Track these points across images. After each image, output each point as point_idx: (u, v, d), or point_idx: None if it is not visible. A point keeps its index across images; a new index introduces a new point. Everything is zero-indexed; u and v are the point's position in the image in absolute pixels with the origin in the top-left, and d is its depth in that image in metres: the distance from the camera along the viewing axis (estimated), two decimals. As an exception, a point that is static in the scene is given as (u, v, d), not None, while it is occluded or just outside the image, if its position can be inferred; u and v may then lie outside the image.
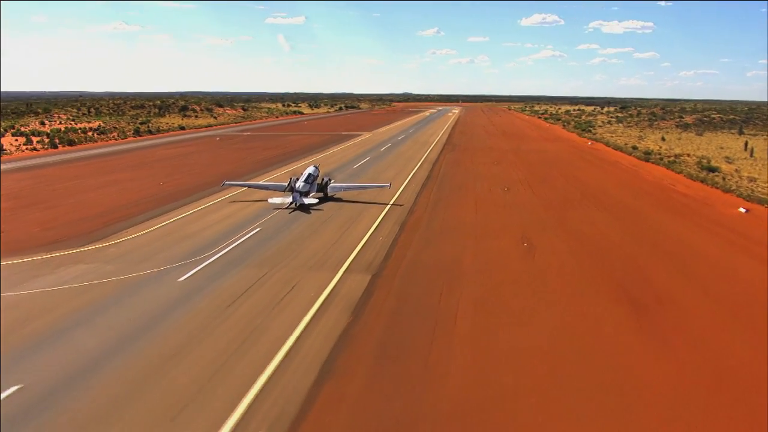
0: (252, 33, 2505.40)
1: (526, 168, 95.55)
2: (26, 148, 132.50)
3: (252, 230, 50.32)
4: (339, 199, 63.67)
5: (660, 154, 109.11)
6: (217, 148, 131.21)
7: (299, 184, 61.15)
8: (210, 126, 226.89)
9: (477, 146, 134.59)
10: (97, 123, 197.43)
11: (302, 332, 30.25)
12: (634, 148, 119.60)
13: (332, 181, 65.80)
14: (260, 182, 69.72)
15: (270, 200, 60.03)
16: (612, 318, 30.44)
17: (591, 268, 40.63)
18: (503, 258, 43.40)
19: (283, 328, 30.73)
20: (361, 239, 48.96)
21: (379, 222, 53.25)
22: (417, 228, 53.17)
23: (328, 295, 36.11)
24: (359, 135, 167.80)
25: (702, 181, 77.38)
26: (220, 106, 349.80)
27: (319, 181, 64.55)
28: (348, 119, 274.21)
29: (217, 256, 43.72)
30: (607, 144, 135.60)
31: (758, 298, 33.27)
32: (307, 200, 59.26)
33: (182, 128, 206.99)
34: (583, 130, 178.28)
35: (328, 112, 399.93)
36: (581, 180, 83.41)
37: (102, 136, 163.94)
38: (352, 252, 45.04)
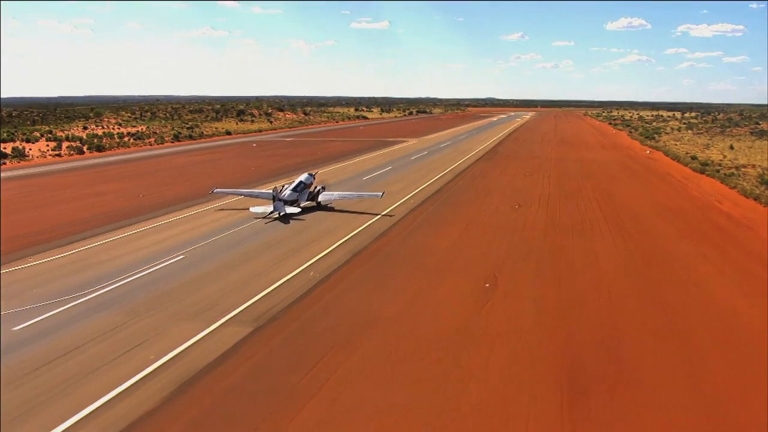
0: (336, 38, 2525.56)
1: (558, 180, 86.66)
2: (52, 154, 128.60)
3: (173, 258, 44.63)
4: (331, 209, 61.54)
5: (720, 165, 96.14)
6: (243, 155, 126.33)
7: (286, 192, 60.04)
8: (260, 131, 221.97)
9: (520, 155, 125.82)
10: (140, 128, 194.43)
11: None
12: (693, 158, 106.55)
13: (325, 189, 63.62)
14: (251, 190, 66.25)
15: (251, 209, 58.08)
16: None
17: (549, 332, 30.59)
18: (442, 310, 33.96)
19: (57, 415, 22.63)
20: (289, 274, 40.62)
21: (340, 244, 47.79)
22: (370, 258, 44.73)
23: (172, 358, 27.53)
24: (404, 141, 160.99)
25: (755, 199, 66.62)
26: (281, 110, 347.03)
27: (312, 189, 63.17)
28: (407, 125, 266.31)
29: (93, 295, 36.15)
30: (665, 153, 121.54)
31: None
32: (290, 209, 57.36)
33: (228, 133, 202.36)
34: (648, 137, 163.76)
35: (395, 116, 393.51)
36: (613, 196, 73.26)
37: (137, 142, 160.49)
38: (258, 294, 36.63)
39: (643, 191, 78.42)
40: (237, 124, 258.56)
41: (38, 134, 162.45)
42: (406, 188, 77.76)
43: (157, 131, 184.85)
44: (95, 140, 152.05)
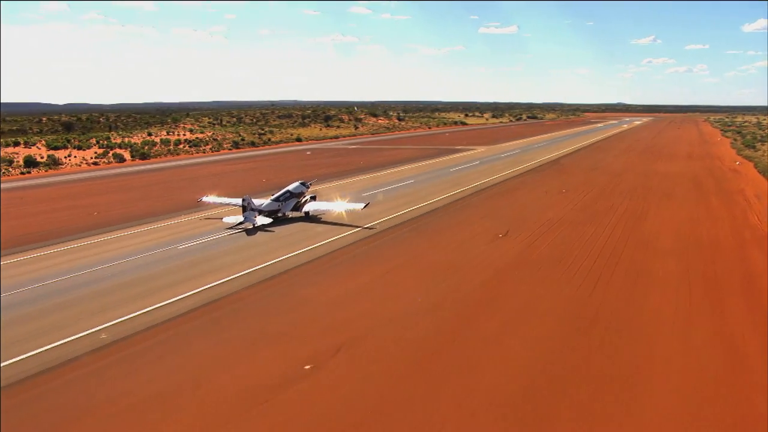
0: (464, 43, 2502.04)
1: (592, 199, 74.98)
2: (90, 162, 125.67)
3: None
4: (317, 219, 60.25)
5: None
6: (280, 166, 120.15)
7: (265, 202, 59.29)
8: (338, 137, 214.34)
9: (580, 167, 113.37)
10: (207, 134, 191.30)
11: None
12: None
13: (315, 199, 62.24)
14: (239, 200, 60.31)
15: (224, 219, 57.28)
16: None
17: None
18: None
19: None
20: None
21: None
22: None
23: None
24: (471, 149, 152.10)
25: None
26: (374, 115, 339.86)
27: (301, 199, 61.87)
28: (500, 131, 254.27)
29: None
30: (756, 165, 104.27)
31: None
32: (260, 220, 56.01)
33: (299, 140, 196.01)
34: (749, 146, 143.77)
35: (501, 122, 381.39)
36: (641, 222, 60.92)
37: (192, 149, 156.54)
38: None
39: (685, 214, 64.83)
40: (321, 129, 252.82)
41: (94, 141, 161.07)
42: (396, 207, 67.82)
43: (219, 138, 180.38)
44: (145, 148, 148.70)
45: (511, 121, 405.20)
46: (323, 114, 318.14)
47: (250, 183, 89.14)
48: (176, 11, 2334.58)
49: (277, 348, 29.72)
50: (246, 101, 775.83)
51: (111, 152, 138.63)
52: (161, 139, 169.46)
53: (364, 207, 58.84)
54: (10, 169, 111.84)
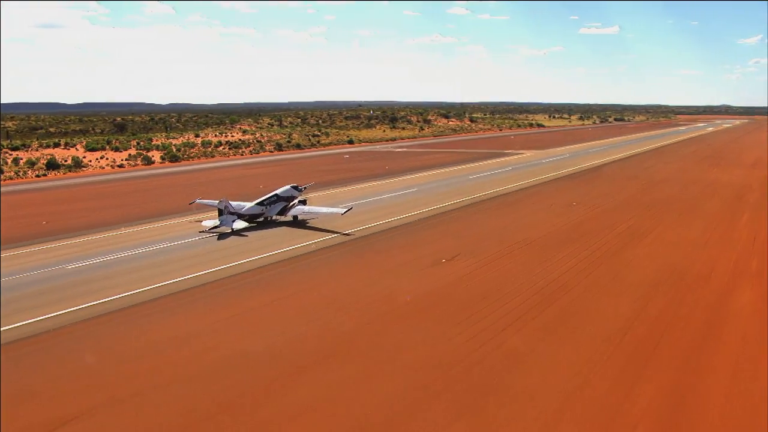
0: (564, 43, 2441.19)
1: (599, 213, 66.40)
2: (117, 164, 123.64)
3: None
4: (304, 223, 59.77)
5: None
6: (297, 170, 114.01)
7: (247, 206, 59.12)
8: (395, 139, 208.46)
9: (622, 173, 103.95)
10: (254, 135, 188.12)
11: None
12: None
13: (306, 203, 61.59)
14: (230, 202, 59.05)
15: (203, 222, 56.85)
16: None
17: None
18: None
19: None
20: None
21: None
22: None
23: None
24: (517, 154, 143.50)
25: None
26: (446, 117, 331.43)
27: (288, 203, 60.95)
28: (565, 135, 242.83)
29: None
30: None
31: None
32: (237, 225, 55.71)
33: (351, 142, 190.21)
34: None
35: (583, 124, 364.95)
36: (633, 244, 52.06)
37: (231, 151, 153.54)
38: None
39: (695, 236, 55.35)
40: (384, 131, 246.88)
41: (135, 142, 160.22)
42: (364, 221, 61.22)
43: (264, 140, 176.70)
44: (181, 150, 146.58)
45: (595, 123, 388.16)
46: (391, 115, 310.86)
47: (248, 189, 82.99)
48: (275, 13, 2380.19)
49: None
50: (342, 101, 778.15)
51: (144, 154, 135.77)
52: (203, 141, 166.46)
53: (345, 212, 58.49)
54: (29, 172, 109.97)
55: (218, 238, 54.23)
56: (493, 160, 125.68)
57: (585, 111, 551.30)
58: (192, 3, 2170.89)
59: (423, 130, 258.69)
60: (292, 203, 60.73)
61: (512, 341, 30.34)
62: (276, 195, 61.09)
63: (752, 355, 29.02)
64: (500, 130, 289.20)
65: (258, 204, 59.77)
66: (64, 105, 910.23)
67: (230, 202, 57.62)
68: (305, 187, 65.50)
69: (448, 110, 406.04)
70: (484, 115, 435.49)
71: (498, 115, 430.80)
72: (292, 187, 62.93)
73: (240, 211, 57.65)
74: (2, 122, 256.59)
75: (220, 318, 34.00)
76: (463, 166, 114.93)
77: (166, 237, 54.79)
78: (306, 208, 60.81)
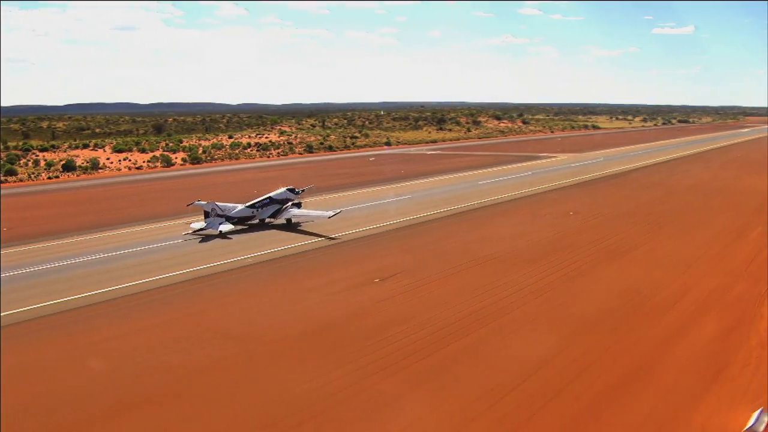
0: (638, 44, 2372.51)
1: (587, 226, 60.03)
2: (135, 166, 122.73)
3: None
4: (297, 226, 59.50)
5: None
6: (310, 174, 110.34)
7: (238, 208, 58.74)
8: (435, 141, 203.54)
9: (646, 180, 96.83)
10: (289, 138, 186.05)
11: None
12: None
13: (300, 206, 61.35)
14: (226, 204, 59.87)
15: (191, 225, 56.21)
16: None
17: None
18: None
19: None
20: None
21: None
22: None
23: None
24: (546, 158, 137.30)
25: None
26: (498, 118, 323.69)
27: (282, 206, 60.47)
28: (615, 137, 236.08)
29: None
30: None
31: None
32: (223, 227, 55.33)
33: (388, 144, 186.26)
34: None
35: (643, 126, 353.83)
36: (605, 264, 46.62)
37: (257, 153, 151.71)
38: None
39: (685, 255, 49.06)
40: (429, 133, 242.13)
41: (164, 143, 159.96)
42: (336, 230, 57.83)
43: (293, 141, 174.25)
44: (209, 152, 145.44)
45: (656, 125, 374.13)
46: (440, 116, 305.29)
47: (248, 192, 79.48)
48: (346, 14, 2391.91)
49: None
50: (410, 102, 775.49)
51: (167, 155, 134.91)
52: (232, 143, 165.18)
53: (332, 216, 57.43)
54: (42, 174, 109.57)
55: (200, 241, 53.98)
56: (519, 164, 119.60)
57: (653, 112, 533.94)
58: (265, 5, 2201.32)
59: (470, 132, 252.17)
60: (285, 206, 59.96)
61: (377, 388, 25.71)
62: (269, 198, 60.36)
63: (669, 415, 23.59)
64: (551, 132, 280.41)
65: (249, 207, 59.20)
66: (138, 105, 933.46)
67: (217, 204, 57.36)
68: (303, 190, 64.35)
69: (503, 111, 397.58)
70: (547, 116, 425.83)
71: (559, 117, 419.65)
72: (287, 189, 62.03)
73: (229, 214, 57.26)
74: (55, 122, 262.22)
75: (67, 349, 30.03)
76: (482, 170, 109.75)
77: (109, 247, 51.74)
78: (297, 211, 60.31)
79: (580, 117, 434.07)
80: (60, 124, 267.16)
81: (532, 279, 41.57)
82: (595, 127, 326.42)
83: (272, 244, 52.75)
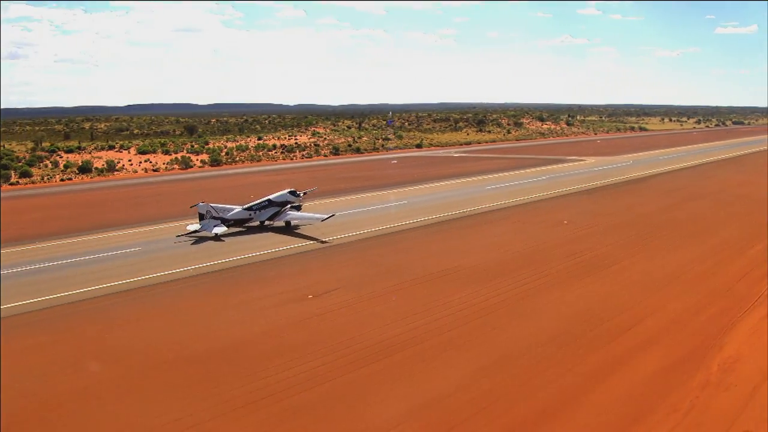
0: (700, 44, 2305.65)
1: (575, 237, 55.62)
2: (152, 169, 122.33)
3: None
4: (296, 228, 59.22)
5: None
6: (322, 177, 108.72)
7: (235, 210, 58.71)
8: (469, 143, 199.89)
9: (665, 186, 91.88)
10: (316, 139, 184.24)
11: None
12: None
13: (299, 209, 61.35)
14: (225, 206, 60.22)
15: (188, 227, 56.29)
16: None
17: None
18: None
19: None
20: None
21: None
22: None
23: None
24: (571, 161, 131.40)
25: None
26: (542, 120, 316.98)
27: (281, 208, 60.30)
28: (657, 139, 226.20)
29: None
30: None
31: None
32: (217, 230, 55.27)
33: (419, 146, 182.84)
34: None
35: (693, 128, 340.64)
36: (570, 283, 42.35)
37: (281, 155, 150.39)
38: None
39: (669, 270, 44.85)
40: (467, 134, 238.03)
41: (189, 145, 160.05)
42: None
43: (322, 143, 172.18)
44: (231, 154, 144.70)
45: (707, 126, 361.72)
46: (481, 118, 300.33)
47: (243, 198, 77.73)
48: (404, 15, 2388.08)
49: None
50: (467, 103, 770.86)
51: (187, 157, 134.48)
52: (258, 144, 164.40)
53: (325, 219, 57.65)
54: (57, 176, 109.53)
55: (192, 243, 53.72)
56: (539, 168, 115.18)
57: (712, 114, 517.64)
58: (323, 5, 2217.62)
59: (509, 133, 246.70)
60: (284, 208, 59.74)
61: (227, 428, 22.45)
62: (268, 200, 60.15)
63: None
64: (594, 133, 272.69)
65: (246, 209, 59.05)
66: (196, 106, 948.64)
67: (212, 206, 57.47)
68: (305, 193, 64.17)
69: (551, 113, 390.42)
70: (600, 117, 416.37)
71: (609, 118, 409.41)
72: (288, 192, 61.73)
73: (225, 216, 57.08)
74: (97, 123, 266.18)
75: None
76: (498, 174, 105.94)
77: (56, 256, 49.74)
78: (295, 214, 60.01)
79: (631, 118, 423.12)
80: (102, 125, 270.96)
81: (479, 298, 37.91)
82: (642, 129, 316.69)
83: (245, 250, 51.27)
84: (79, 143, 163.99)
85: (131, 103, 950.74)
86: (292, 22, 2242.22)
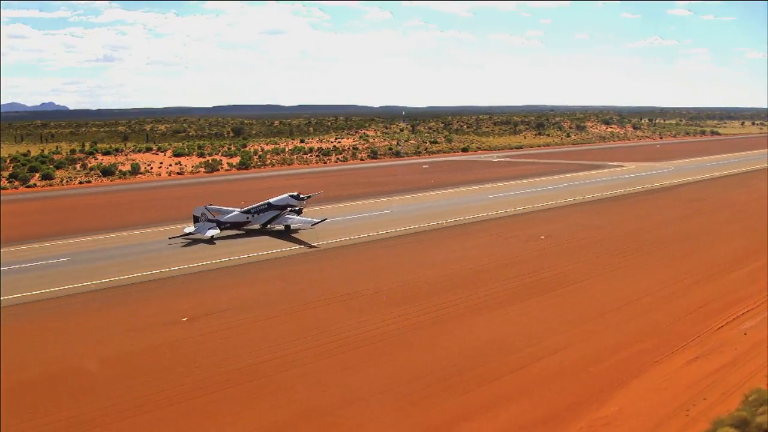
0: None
1: (546, 252, 51.29)
2: (177, 172, 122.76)
3: None
4: (295, 231, 59.42)
5: None
6: (338, 183, 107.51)
7: (233, 213, 59.28)
8: (521, 147, 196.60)
9: (684, 198, 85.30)
10: (366, 142, 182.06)
11: None
12: None
13: (300, 213, 61.24)
14: (226, 208, 61.67)
15: (185, 229, 56.47)
16: None
17: None
18: None
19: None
20: None
21: None
22: None
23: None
24: (607, 167, 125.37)
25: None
26: (607, 123, 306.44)
27: (280, 212, 60.15)
28: (721, 143, 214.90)
29: None
30: None
31: None
32: (210, 232, 55.55)
33: (465, 150, 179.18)
34: None
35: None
36: (503, 307, 38.27)
37: (318, 158, 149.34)
38: None
39: (641, 288, 40.94)
40: (524, 138, 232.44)
41: (225, 147, 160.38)
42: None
43: (361, 147, 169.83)
44: (266, 156, 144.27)
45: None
46: (542, 121, 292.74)
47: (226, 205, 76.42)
48: (491, 16, 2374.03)
49: None
50: (550, 105, 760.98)
51: (229, 160, 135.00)
52: (294, 147, 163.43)
53: (314, 224, 58.58)
54: (77, 178, 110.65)
55: (182, 246, 54.04)
56: (568, 174, 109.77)
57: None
58: (410, 6, 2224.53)
59: (569, 137, 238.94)
60: (284, 212, 59.82)
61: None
62: (268, 203, 60.19)
63: None
64: (660, 137, 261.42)
65: (243, 212, 59.36)
66: (281, 107, 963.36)
67: (208, 209, 57.92)
68: (308, 197, 64.06)
69: (621, 116, 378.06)
70: (680, 120, 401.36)
71: (687, 122, 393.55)
72: (290, 195, 61.62)
73: (222, 219, 57.41)
74: (157, 124, 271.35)
75: None
76: (519, 181, 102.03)
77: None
78: (295, 218, 60.13)
79: (712, 122, 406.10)
80: (162, 127, 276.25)
81: (384, 322, 34.59)
82: (714, 133, 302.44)
83: (211, 257, 50.31)
84: (124, 144, 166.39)
85: (218, 105, 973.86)
86: (379, 24, 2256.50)
